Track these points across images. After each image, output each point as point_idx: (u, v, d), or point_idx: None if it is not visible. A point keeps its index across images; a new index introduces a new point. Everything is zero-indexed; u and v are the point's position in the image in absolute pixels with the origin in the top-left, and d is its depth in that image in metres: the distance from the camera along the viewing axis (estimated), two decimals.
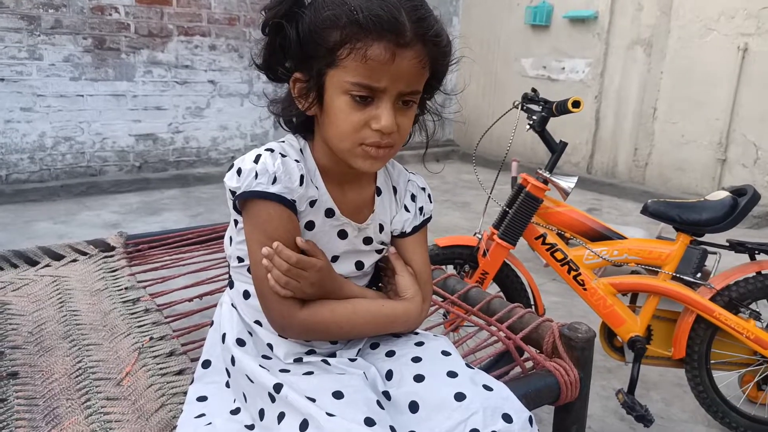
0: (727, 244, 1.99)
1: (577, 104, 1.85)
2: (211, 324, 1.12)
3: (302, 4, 0.87)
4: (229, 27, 5.29)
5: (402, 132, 0.90)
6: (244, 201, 0.91)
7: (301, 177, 0.91)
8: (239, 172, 0.89)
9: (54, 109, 4.56)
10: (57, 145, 4.63)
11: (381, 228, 1.05)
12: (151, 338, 1.39)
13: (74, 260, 1.80)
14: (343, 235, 1.00)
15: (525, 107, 2.12)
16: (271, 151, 0.91)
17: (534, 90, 2.07)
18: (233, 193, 0.92)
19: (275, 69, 0.93)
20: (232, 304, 1.06)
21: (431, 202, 1.12)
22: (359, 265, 1.04)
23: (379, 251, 1.07)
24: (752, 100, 4.75)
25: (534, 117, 2.04)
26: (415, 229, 1.07)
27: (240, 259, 1.01)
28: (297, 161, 0.92)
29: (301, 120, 0.97)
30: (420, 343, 1.03)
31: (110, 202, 4.45)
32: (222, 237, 1.98)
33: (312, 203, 0.94)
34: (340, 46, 0.82)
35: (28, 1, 4.32)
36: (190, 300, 1.63)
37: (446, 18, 7.03)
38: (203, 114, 5.33)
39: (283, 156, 0.91)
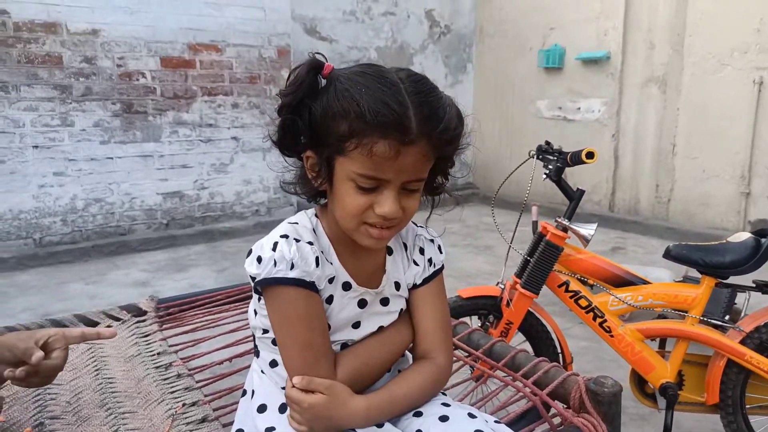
0: (754, 285, 1.97)
1: (590, 155, 1.89)
2: (243, 393, 1.15)
3: (315, 94, 0.93)
4: (250, 85, 5.48)
5: (407, 213, 0.94)
6: (265, 286, 0.95)
7: (317, 259, 0.95)
8: (259, 259, 0.94)
9: (85, 173, 4.73)
10: (88, 206, 4.78)
11: (398, 285, 1.08)
12: (183, 404, 1.42)
13: (108, 326, 1.85)
14: (362, 303, 1.04)
15: (540, 156, 2.16)
16: (286, 237, 0.95)
17: (547, 142, 2.12)
18: (253, 278, 0.97)
19: (289, 147, 0.99)
20: (262, 371, 1.09)
21: (442, 253, 1.14)
22: (381, 329, 1.07)
23: (400, 312, 1.10)
24: None
25: (550, 166, 2.08)
26: (426, 280, 1.10)
27: (264, 331, 1.05)
28: (311, 243, 0.97)
29: (314, 192, 1.02)
30: (446, 404, 1.05)
31: (139, 261, 4.56)
32: (248, 297, 2.03)
33: (330, 280, 0.99)
34: (348, 138, 0.87)
35: (61, 72, 4.55)
36: (221, 363, 1.67)
37: (460, 65, 7.19)
38: (227, 170, 5.47)
39: (297, 241, 0.96)
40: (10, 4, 4.28)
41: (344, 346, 1.04)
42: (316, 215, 1.02)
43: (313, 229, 1.00)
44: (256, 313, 1.06)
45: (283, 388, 1.03)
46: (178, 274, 4.27)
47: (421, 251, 1.11)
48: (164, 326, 1.86)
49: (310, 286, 0.95)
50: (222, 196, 5.47)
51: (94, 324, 1.85)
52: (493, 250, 4.64)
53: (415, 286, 1.10)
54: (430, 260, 1.10)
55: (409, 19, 6.70)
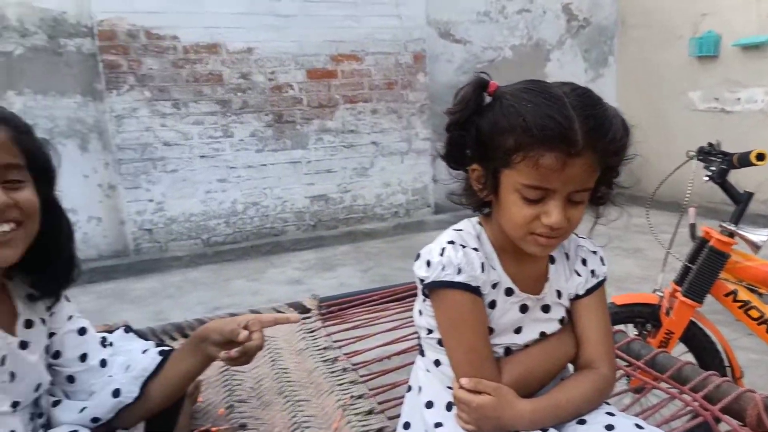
0: None
1: (761, 157, 1.76)
2: (409, 388, 1.23)
3: (481, 111, 0.99)
4: (388, 91, 5.67)
5: (572, 223, 0.97)
6: (433, 289, 1.03)
7: (482, 265, 1.01)
8: (428, 263, 1.02)
9: (243, 179, 5.19)
10: (246, 209, 5.24)
11: (559, 294, 1.11)
12: (351, 396, 1.54)
13: None
14: (524, 309, 1.08)
15: (701, 157, 2.04)
16: (453, 243, 1.02)
17: (710, 144, 2.00)
18: (422, 280, 1.04)
19: (455, 160, 1.06)
20: (427, 370, 1.16)
21: (604, 264, 1.15)
22: (542, 334, 1.10)
23: (561, 321, 1.12)
24: None
25: (712, 168, 1.96)
26: (589, 291, 1.12)
27: (429, 331, 1.12)
28: (476, 249, 1.02)
29: (479, 202, 1.08)
30: (611, 414, 1.06)
31: (292, 260, 4.90)
32: (401, 299, 2.14)
33: (494, 285, 1.04)
34: (514, 152, 0.91)
35: (222, 88, 5.02)
36: (381, 360, 1.78)
37: (601, 58, 6.89)
38: (368, 173, 5.70)
39: (464, 247, 1.02)
40: (180, 30, 4.81)
41: (507, 350, 1.09)
42: (479, 223, 1.08)
43: (477, 236, 1.06)
44: (421, 313, 1.13)
45: (449, 387, 1.10)
46: (327, 272, 4.54)
47: (584, 262, 1.12)
48: (327, 323, 2.02)
49: (475, 291, 1.01)
50: (363, 198, 5.71)
51: None
52: (643, 253, 4.39)
53: (577, 297, 1.11)
54: (592, 271, 1.12)
55: (545, 15, 6.54)
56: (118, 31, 4.63)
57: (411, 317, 1.96)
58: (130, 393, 1.15)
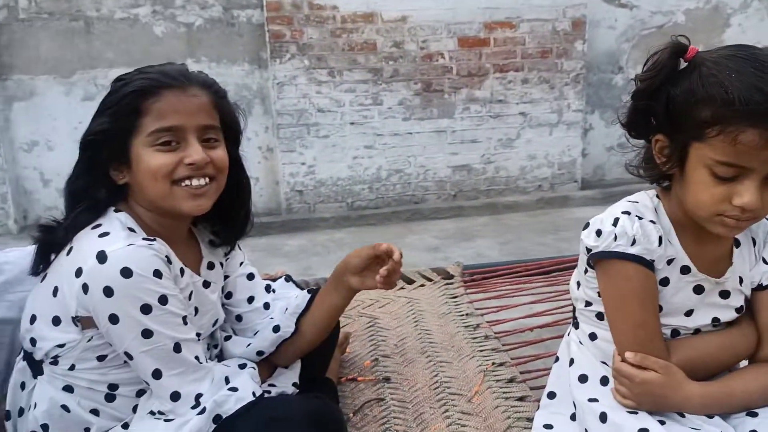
0: None
1: None
2: (556, 359, 1.22)
3: (675, 78, 0.92)
4: (542, 60, 5.45)
5: (767, 206, 0.88)
6: (600, 260, 0.99)
7: (660, 238, 0.95)
8: (598, 233, 0.98)
9: (389, 146, 5.32)
10: (389, 176, 5.38)
11: (740, 281, 1.03)
12: (493, 363, 1.56)
13: (422, 285, 2.11)
14: (699, 290, 1.01)
15: None
16: (628, 213, 0.97)
17: None
18: (589, 250, 1.01)
19: (638, 129, 1.00)
20: (581, 342, 1.14)
21: None
22: (715, 320, 1.03)
23: (738, 309, 1.04)
24: None
25: None
26: None
27: (588, 303, 1.09)
28: (653, 222, 0.97)
29: (659, 175, 1.01)
30: None
31: (431, 228, 4.98)
32: (547, 273, 2.10)
33: (669, 261, 0.98)
34: (710, 125, 0.84)
35: (374, 56, 5.15)
36: (523, 331, 1.78)
37: None
38: (513, 144, 5.58)
39: (640, 218, 0.96)
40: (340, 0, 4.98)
41: (675, 332, 1.03)
42: (657, 196, 1.02)
43: (655, 209, 1.01)
44: (579, 285, 1.11)
45: (603, 363, 1.07)
46: (465, 242, 4.55)
47: None
48: (469, 290, 2.04)
49: (649, 265, 0.96)
50: (507, 170, 5.61)
51: (412, 282, 2.13)
52: None
53: (760, 287, 1.02)
54: None
55: None
56: (283, 2, 4.89)
57: (555, 292, 1.94)
58: (287, 328, 1.28)
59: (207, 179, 1.11)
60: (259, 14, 5.00)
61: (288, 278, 1.49)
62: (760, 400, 0.97)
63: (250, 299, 1.34)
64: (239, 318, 1.33)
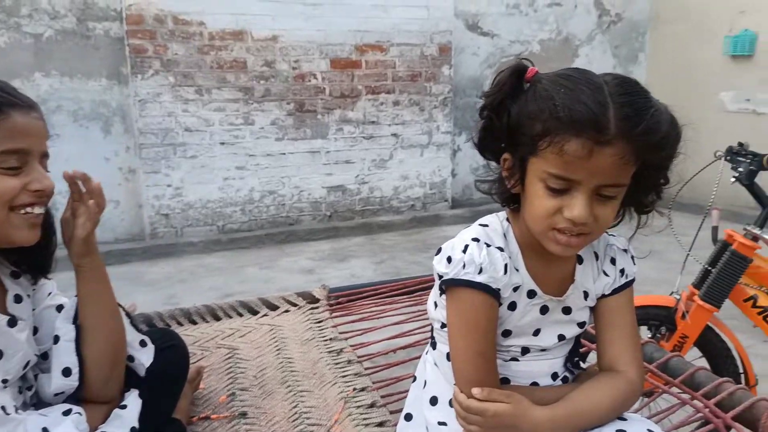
0: None
1: None
2: (414, 379, 1.20)
3: (516, 95, 0.94)
4: (411, 83, 5.62)
5: (601, 222, 0.90)
6: (450, 286, 0.99)
7: (505, 266, 0.97)
8: (449, 259, 0.98)
9: (262, 167, 5.19)
10: (263, 198, 5.25)
11: (586, 295, 1.06)
12: (354, 389, 1.52)
13: (287, 311, 2.03)
14: (544, 310, 1.04)
15: (729, 157, 1.97)
16: (477, 240, 0.97)
17: (740, 143, 1.92)
18: (440, 276, 1.00)
19: (489, 149, 1.02)
20: (435, 364, 1.13)
21: (635, 264, 1.10)
22: (561, 337, 1.06)
23: (580, 324, 1.08)
24: None
25: (740, 169, 1.89)
26: (616, 291, 1.06)
27: (443, 324, 1.08)
28: (501, 249, 0.98)
29: (508, 195, 1.03)
30: (623, 419, 1.02)
31: (306, 249, 4.90)
32: (412, 292, 2.11)
33: (515, 288, 1.00)
34: (541, 137, 0.86)
35: (245, 75, 5.03)
36: (387, 353, 1.76)
37: (630, 55, 6.75)
38: (386, 165, 5.67)
39: (488, 245, 0.97)
40: (207, 16, 4.82)
41: (525, 350, 1.05)
42: (507, 219, 1.04)
43: (504, 234, 1.01)
44: (436, 305, 1.10)
45: (455, 384, 1.07)
46: (340, 263, 4.52)
47: (613, 261, 1.07)
48: (335, 314, 2.00)
49: (495, 293, 0.97)
50: (381, 190, 5.69)
51: (275, 307, 2.05)
52: (661, 255, 4.27)
53: (603, 296, 1.07)
54: (622, 271, 1.07)
55: (576, 9, 6.41)
56: (146, 16, 4.65)
57: (420, 311, 1.95)
58: (68, 335, 1.12)
59: (43, 207, 1.02)
60: (118, 27, 4.70)
61: (127, 314, 1.32)
62: (609, 415, 0.99)
63: (57, 338, 1.15)
64: (45, 356, 1.14)
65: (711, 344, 1.95)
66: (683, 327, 1.91)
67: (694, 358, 1.98)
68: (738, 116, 5.73)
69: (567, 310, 1.06)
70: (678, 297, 1.96)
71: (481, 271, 0.95)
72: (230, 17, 4.89)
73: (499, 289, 0.97)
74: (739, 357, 1.93)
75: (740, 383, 1.92)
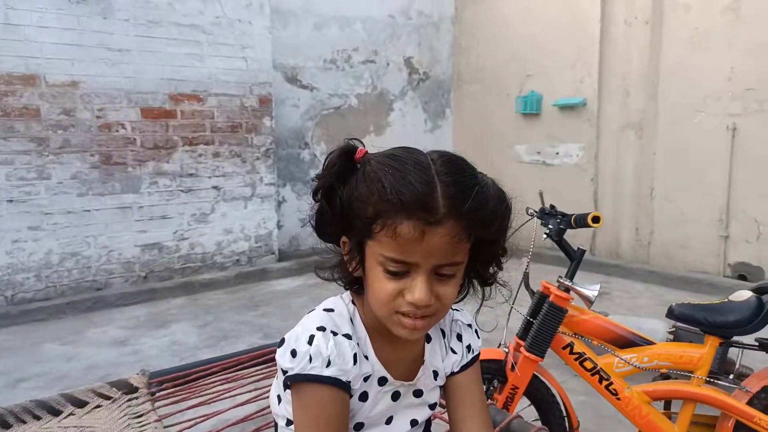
0: (757, 343, 1.97)
1: (596, 220, 1.88)
2: None
3: (346, 177, 0.90)
4: (232, 134, 5.45)
5: (444, 301, 0.88)
6: (296, 382, 0.90)
7: (354, 356, 0.90)
8: (293, 353, 0.89)
9: (61, 226, 4.60)
10: (63, 261, 4.63)
11: (435, 375, 1.03)
12: None
13: (98, 406, 1.74)
14: (396, 396, 0.99)
15: (539, 215, 2.15)
16: (323, 329, 0.90)
17: (552, 206, 2.11)
18: (284, 371, 0.91)
19: (326, 232, 0.96)
20: None
21: (479, 338, 1.09)
22: (413, 422, 1.02)
23: (431, 406, 1.05)
24: (748, 177, 4.86)
25: (550, 225, 2.07)
26: (464, 367, 1.06)
27: (289, 421, 0.98)
28: (348, 336, 0.92)
29: (351, 278, 0.97)
30: None
31: (117, 317, 4.40)
32: (246, 367, 1.94)
33: (365, 378, 0.94)
34: (374, 221, 0.83)
35: (38, 124, 4.46)
36: None
37: (438, 110, 7.30)
38: (208, 219, 5.38)
39: (335, 334, 0.91)
40: None
41: None
42: (353, 302, 0.98)
43: (351, 318, 0.95)
44: (280, 399, 0.99)
45: None
46: (159, 330, 4.12)
47: (459, 337, 1.06)
48: (157, 404, 1.76)
49: (345, 387, 0.89)
50: (202, 246, 5.36)
51: (84, 404, 1.75)
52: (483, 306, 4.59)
53: (452, 373, 1.05)
54: (468, 347, 1.06)
55: (389, 67, 6.80)
56: None
57: (265, 388, 1.79)
58: None
59: None
60: None
61: None
62: None
63: None
64: None
65: (538, 392, 2.06)
66: (513, 378, 2.00)
67: (524, 407, 2.08)
68: (531, 166, 6.45)
69: (418, 393, 1.02)
70: (506, 350, 2.06)
71: (329, 364, 0.88)
72: (18, 59, 4.33)
73: (349, 382, 0.90)
74: (563, 403, 2.06)
75: (565, 427, 2.07)
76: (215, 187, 5.40)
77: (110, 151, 4.81)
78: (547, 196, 2.20)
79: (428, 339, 1.03)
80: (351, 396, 0.92)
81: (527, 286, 2.21)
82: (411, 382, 1.00)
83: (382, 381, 0.96)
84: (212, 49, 5.24)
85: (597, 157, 5.93)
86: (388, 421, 0.99)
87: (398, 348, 0.98)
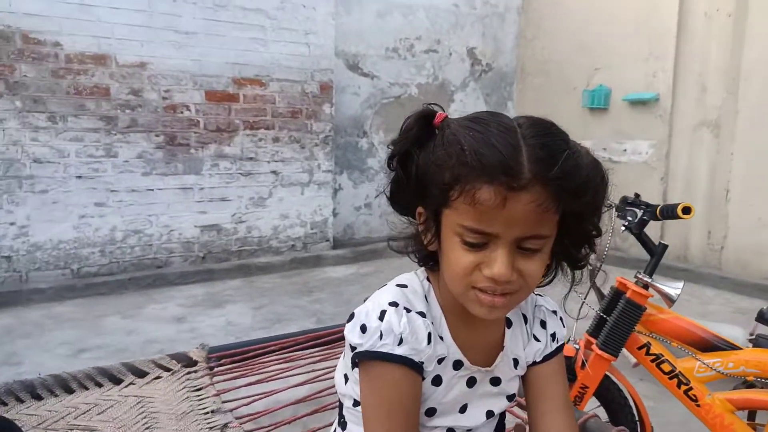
0: None
1: (687, 210, 1.74)
2: None
3: (423, 142, 0.83)
4: (292, 120, 5.46)
5: (528, 278, 0.79)
6: (365, 359, 0.83)
7: (429, 335, 0.83)
8: (363, 328, 0.82)
9: (125, 204, 4.72)
10: (126, 238, 4.75)
11: (516, 363, 0.95)
12: None
13: (158, 377, 1.73)
14: (471, 383, 0.91)
15: (617, 206, 2.01)
16: (396, 305, 0.83)
17: (636, 194, 1.97)
18: (353, 348, 0.84)
19: (400, 202, 0.89)
20: None
21: (564, 326, 1.00)
22: (489, 414, 0.94)
23: (510, 397, 0.96)
24: None
25: (629, 218, 1.94)
26: (547, 357, 0.96)
27: (357, 402, 0.92)
28: (422, 314, 0.85)
29: (425, 252, 0.90)
30: None
31: (176, 294, 4.48)
32: (302, 348, 1.90)
33: (440, 360, 0.86)
34: (451, 186, 0.76)
35: (108, 103, 4.57)
36: (281, 426, 1.53)
37: (500, 102, 7.12)
38: (265, 204, 5.42)
39: (408, 311, 0.83)
40: (64, 36, 4.34)
41: (450, 429, 0.91)
42: (428, 278, 0.90)
43: (425, 296, 0.88)
44: (347, 379, 0.93)
45: None
46: (215, 309, 4.17)
47: (543, 324, 0.97)
48: (215, 379, 1.74)
49: (417, 368, 0.82)
50: (259, 230, 5.40)
51: (144, 374, 1.74)
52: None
53: (534, 363, 0.96)
54: (553, 335, 0.97)
55: (451, 57, 6.67)
56: None
57: (321, 370, 1.75)
58: None
59: None
60: None
61: None
62: None
63: None
64: None
65: (609, 393, 1.94)
66: (583, 377, 1.89)
67: (593, 407, 1.96)
68: None
69: (496, 381, 0.93)
70: (577, 347, 1.94)
71: (401, 342, 0.81)
72: (92, 39, 4.45)
73: (422, 362, 0.83)
74: (635, 406, 1.93)
75: (636, 431, 1.94)
76: (273, 172, 5.42)
77: (174, 132, 4.89)
78: (613, 197, 2.07)
79: (509, 324, 0.95)
80: (423, 378, 0.85)
81: (594, 285, 2.08)
82: (488, 369, 0.92)
83: (458, 365, 0.88)
84: (276, 34, 5.25)
85: (668, 156, 5.64)
86: (462, 409, 0.91)
87: (476, 330, 0.90)
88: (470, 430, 0.93)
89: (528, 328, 0.96)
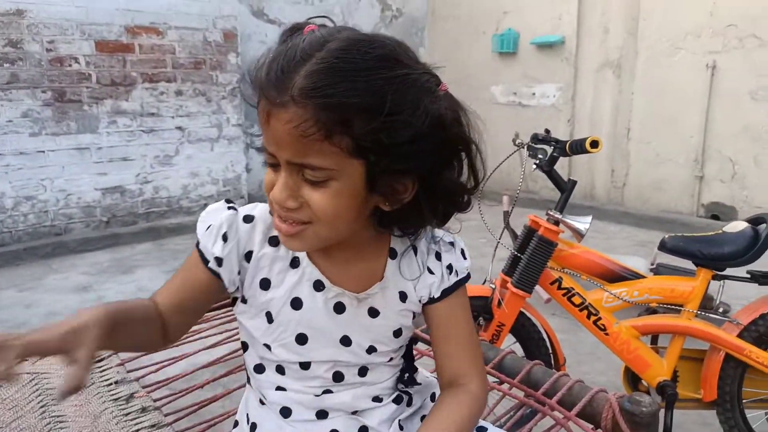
0: (749, 275, 1.91)
1: (595, 144, 1.76)
2: (235, 424, 0.96)
3: None
4: (195, 71, 5.15)
5: (316, 210, 0.72)
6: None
7: (225, 234, 0.83)
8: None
9: (13, 168, 4.31)
10: (18, 205, 4.37)
11: (403, 296, 0.89)
12: None
13: None
14: (340, 308, 0.85)
15: (527, 145, 2.02)
16: (233, 209, 0.86)
17: (547, 130, 1.98)
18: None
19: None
20: (261, 402, 0.91)
21: (465, 258, 0.92)
22: (372, 349, 0.88)
23: (396, 332, 0.91)
24: (724, 116, 4.81)
25: (540, 156, 1.95)
26: (447, 292, 0.89)
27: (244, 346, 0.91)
28: (249, 219, 0.85)
29: None
30: (484, 428, 0.92)
31: (79, 263, 4.20)
32: (215, 309, 1.81)
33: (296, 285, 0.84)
34: (258, 103, 0.74)
35: None
36: (192, 390, 1.45)
37: (413, 49, 7.01)
38: (172, 162, 5.13)
39: (235, 211, 0.85)
40: None
41: (337, 375, 0.86)
42: None
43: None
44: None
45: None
46: (124, 276, 3.95)
47: (438, 256, 0.89)
48: None
49: (204, 260, 0.83)
50: (167, 190, 5.13)
51: None
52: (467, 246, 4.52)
53: (432, 300, 0.90)
54: (449, 267, 0.89)
55: (360, 2, 6.48)
56: None
57: (234, 330, 1.67)
58: None
59: None
60: None
61: None
62: None
63: None
64: None
65: (524, 329, 1.99)
66: (499, 315, 1.92)
67: (510, 344, 2.01)
68: (506, 107, 6.30)
69: (374, 313, 0.88)
70: (492, 286, 1.96)
71: (215, 237, 0.83)
72: None
73: (220, 258, 0.82)
74: (549, 340, 1.99)
75: (551, 364, 2.01)
76: (179, 128, 5.13)
77: (63, 87, 4.48)
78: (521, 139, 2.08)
79: (393, 254, 0.88)
80: (221, 277, 0.82)
81: (507, 226, 2.11)
82: (357, 294, 0.85)
83: (319, 285, 0.84)
84: None
85: (574, 98, 5.81)
86: (345, 341, 0.86)
87: (347, 258, 0.84)
88: (364, 368, 0.88)
89: (419, 260, 0.89)
